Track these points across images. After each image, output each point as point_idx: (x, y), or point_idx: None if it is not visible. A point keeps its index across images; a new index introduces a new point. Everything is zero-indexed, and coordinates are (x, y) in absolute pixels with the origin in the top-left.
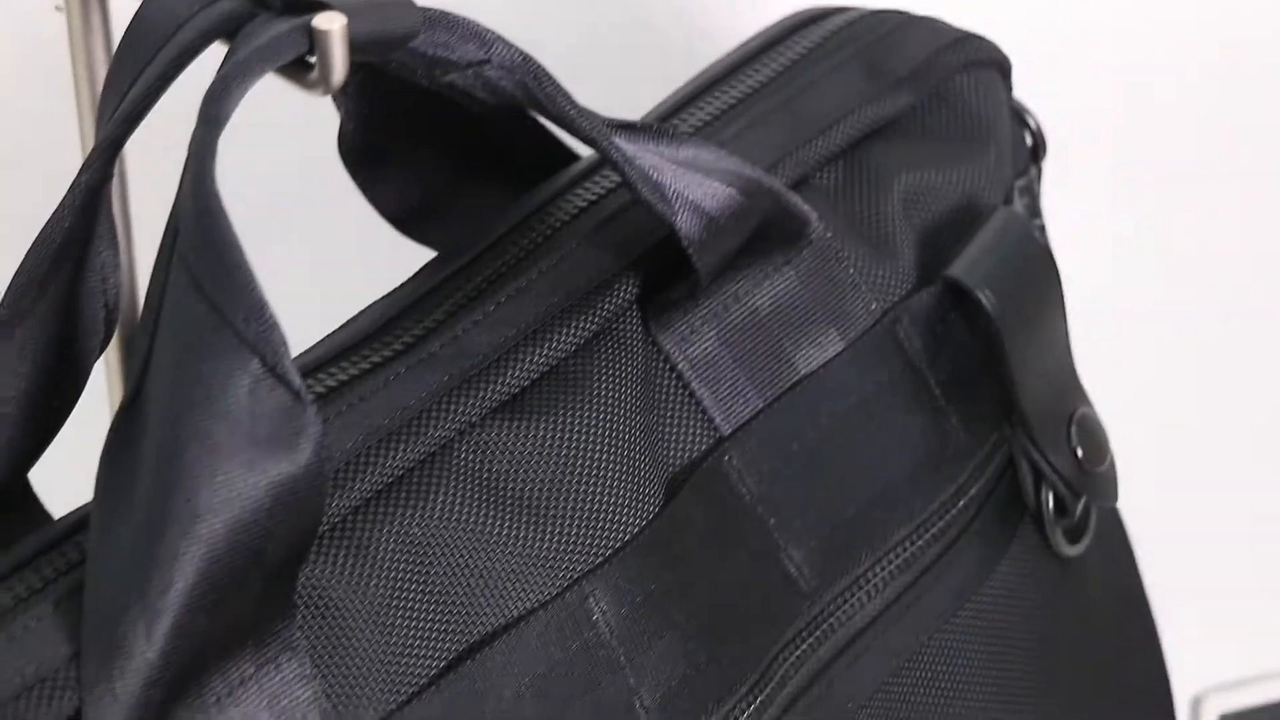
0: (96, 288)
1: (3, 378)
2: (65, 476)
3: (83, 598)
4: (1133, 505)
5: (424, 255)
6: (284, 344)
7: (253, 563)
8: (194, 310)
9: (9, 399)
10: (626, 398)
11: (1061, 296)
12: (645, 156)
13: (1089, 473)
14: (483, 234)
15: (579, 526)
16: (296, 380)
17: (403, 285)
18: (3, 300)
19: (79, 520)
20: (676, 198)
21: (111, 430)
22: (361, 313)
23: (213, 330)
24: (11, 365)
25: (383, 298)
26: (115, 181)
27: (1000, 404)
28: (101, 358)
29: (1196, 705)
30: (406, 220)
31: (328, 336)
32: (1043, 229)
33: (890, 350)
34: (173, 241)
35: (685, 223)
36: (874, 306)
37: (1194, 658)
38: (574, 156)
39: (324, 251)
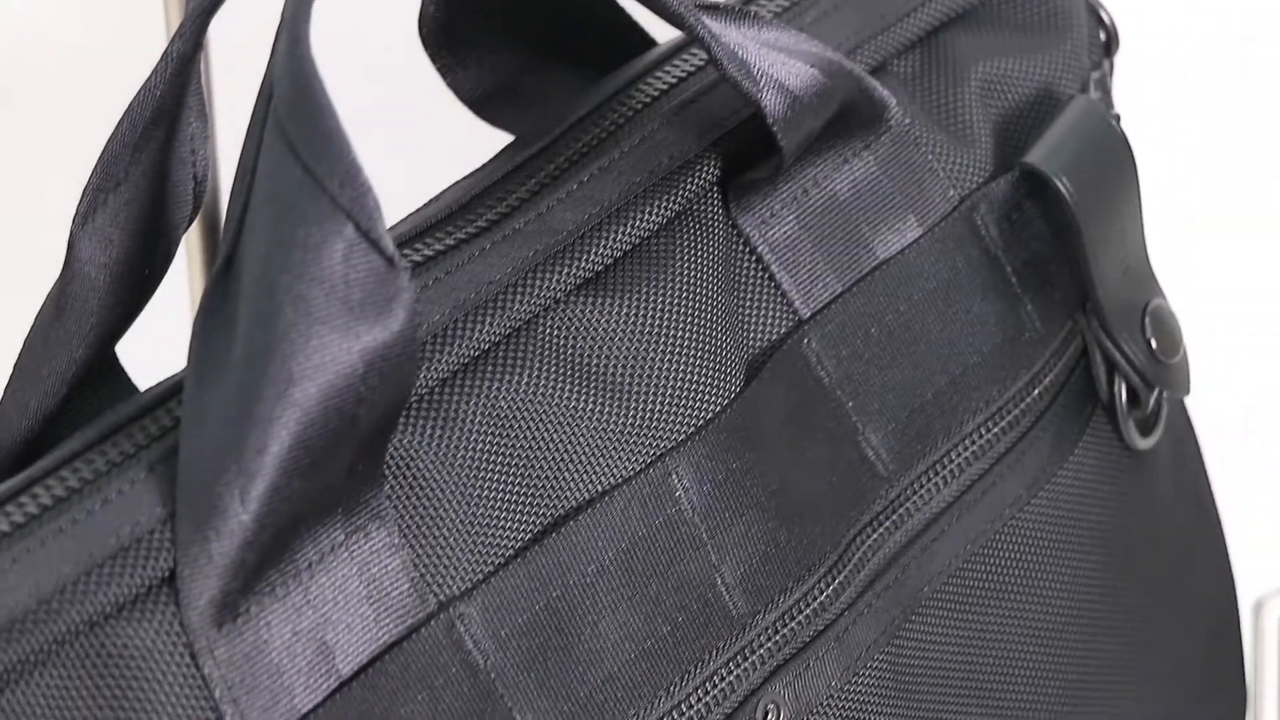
0: (186, 158)
1: (95, 245)
2: (147, 353)
3: (176, 462)
4: (1199, 404)
5: (501, 140)
6: (378, 209)
7: (346, 428)
8: (289, 175)
9: (101, 266)
10: (708, 278)
11: (1138, 186)
12: (730, 35)
13: (1162, 364)
14: (563, 117)
15: (661, 403)
16: (390, 246)
17: (484, 166)
18: (96, 167)
19: (169, 389)
20: (761, 76)
21: (205, 296)
22: (444, 191)
23: (308, 195)
24: (104, 232)
25: (465, 177)
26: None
27: (1075, 293)
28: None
29: (1258, 609)
30: (485, 104)
31: (411, 214)
32: (1118, 119)
33: (967, 237)
34: (266, 107)
35: (770, 100)
36: (951, 193)
37: (1256, 562)
38: (652, 42)
39: (402, 138)
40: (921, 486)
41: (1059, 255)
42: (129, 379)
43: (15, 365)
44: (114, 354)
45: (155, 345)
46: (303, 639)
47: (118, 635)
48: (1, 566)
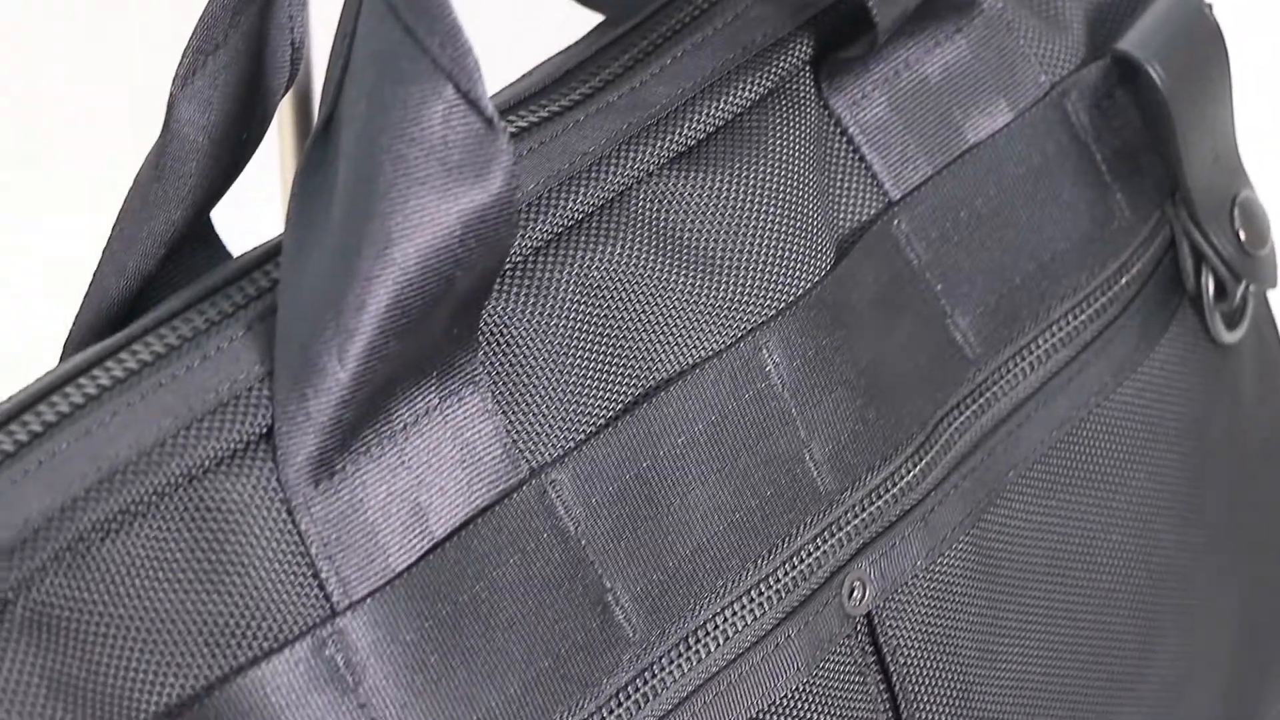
0: (284, 24)
1: (194, 107)
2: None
3: (275, 320)
4: None
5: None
6: (478, 70)
7: (443, 290)
8: (389, 36)
9: (200, 128)
10: (800, 156)
11: (1229, 76)
12: None
13: (1250, 256)
14: None
15: (753, 279)
16: (490, 108)
17: (576, 43)
18: (196, 28)
19: (264, 254)
20: None
21: (305, 156)
22: (536, 68)
23: (408, 55)
24: (204, 95)
25: (557, 54)
26: None
27: (1164, 183)
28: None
29: None
30: None
31: (504, 88)
32: (1210, 8)
33: (1058, 123)
34: None
35: None
36: (1043, 79)
37: None
38: None
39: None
40: (1008, 371)
41: (1149, 144)
42: (223, 245)
43: (113, 228)
44: (209, 220)
45: (245, 214)
46: (397, 499)
47: (216, 489)
48: (102, 419)
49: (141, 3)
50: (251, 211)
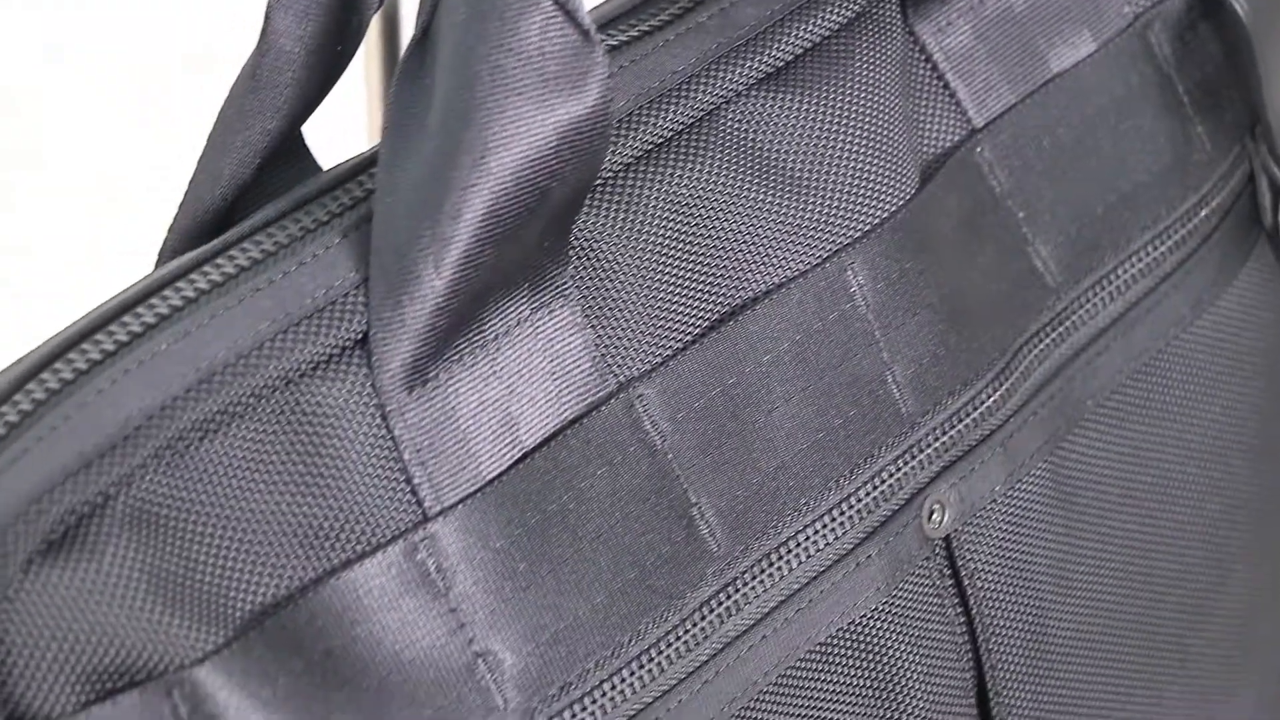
0: None
1: (291, 18)
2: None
3: (370, 229)
4: None
5: None
6: None
7: (537, 201)
8: None
9: (296, 39)
10: (885, 81)
11: None
12: None
13: None
14: None
15: (838, 200)
16: (587, 20)
17: None
18: None
19: (357, 165)
20: None
21: (401, 65)
22: None
23: None
24: (301, 6)
25: None
26: None
27: (1244, 118)
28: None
29: None
30: None
31: (596, 7)
32: None
33: (1141, 54)
34: None
35: None
36: (1126, 10)
37: None
38: None
39: None
40: (1088, 300)
41: (1230, 78)
42: (314, 158)
43: (208, 139)
44: (301, 134)
45: (331, 131)
46: (489, 408)
47: (312, 393)
48: (200, 321)
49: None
50: (338, 128)
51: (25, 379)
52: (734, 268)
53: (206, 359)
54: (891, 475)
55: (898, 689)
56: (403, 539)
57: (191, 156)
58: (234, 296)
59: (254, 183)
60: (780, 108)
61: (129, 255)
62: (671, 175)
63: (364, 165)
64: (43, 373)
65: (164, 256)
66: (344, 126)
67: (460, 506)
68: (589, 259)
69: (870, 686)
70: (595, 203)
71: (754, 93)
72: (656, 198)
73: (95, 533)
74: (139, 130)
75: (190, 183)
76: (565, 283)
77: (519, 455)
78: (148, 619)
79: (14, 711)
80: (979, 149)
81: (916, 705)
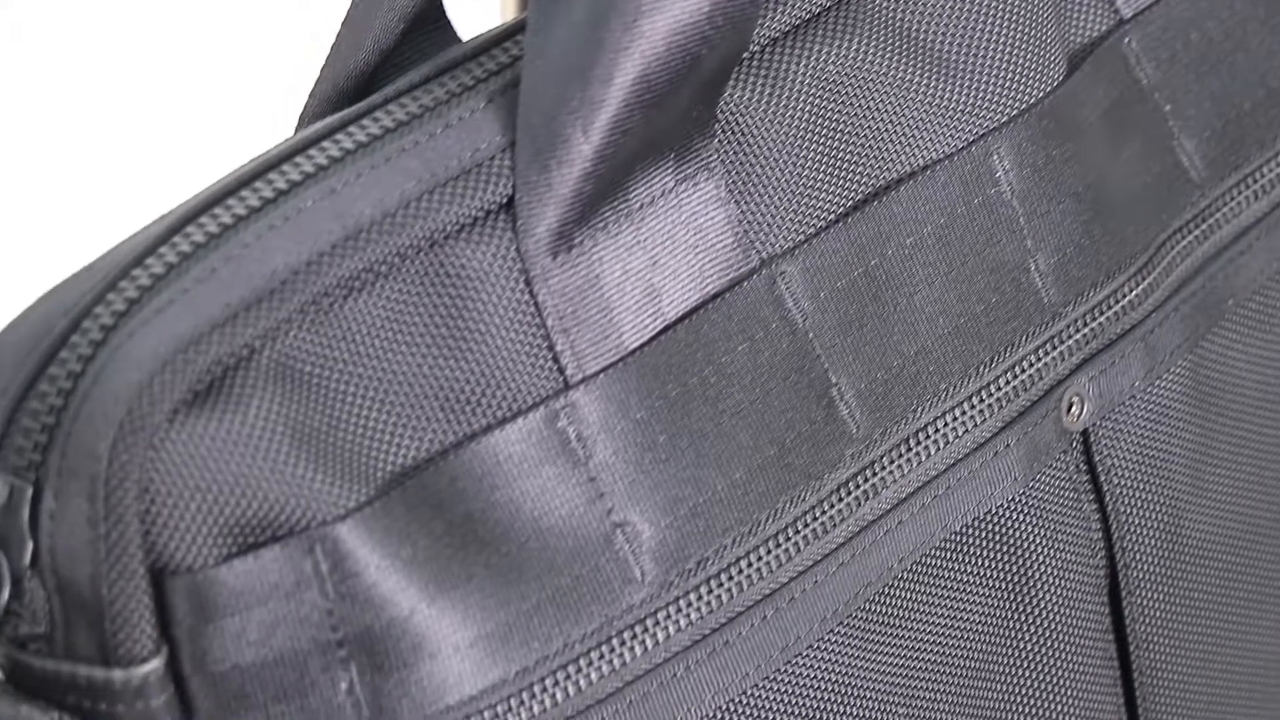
0: None
1: None
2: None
3: (516, 95)
4: None
5: None
6: None
7: (687, 68)
8: None
9: None
10: None
11: None
12: None
13: None
14: None
15: (986, 83)
16: None
17: None
18: None
19: (504, 32)
20: None
21: None
22: None
23: None
24: None
25: None
26: None
27: None
28: None
29: None
30: None
31: None
32: None
33: None
34: None
35: None
36: None
37: None
38: None
39: None
40: (1232, 198)
41: None
42: (454, 29)
43: (351, 6)
44: (441, 3)
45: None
46: (632, 278)
47: (456, 256)
48: (346, 179)
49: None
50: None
51: (170, 233)
52: (879, 147)
53: (353, 216)
54: (1032, 365)
55: (1031, 583)
56: (544, 406)
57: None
58: (380, 156)
59: (396, 50)
60: None
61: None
62: (819, 51)
63: (510, 33)
64: (188, 227)
65: (304, 121)
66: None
67: (601, 376)
68: (734, 133)
69: (1003, 578)
70: (742, 77)
71: None
72: (803, 73)
73: (241, 385)
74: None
75: (332, 49)
76: (710, 156)
77: (661, 327)
78: (291, 473)
79: (156, 561)
80: (1127, 40)
81: (1049, 600)
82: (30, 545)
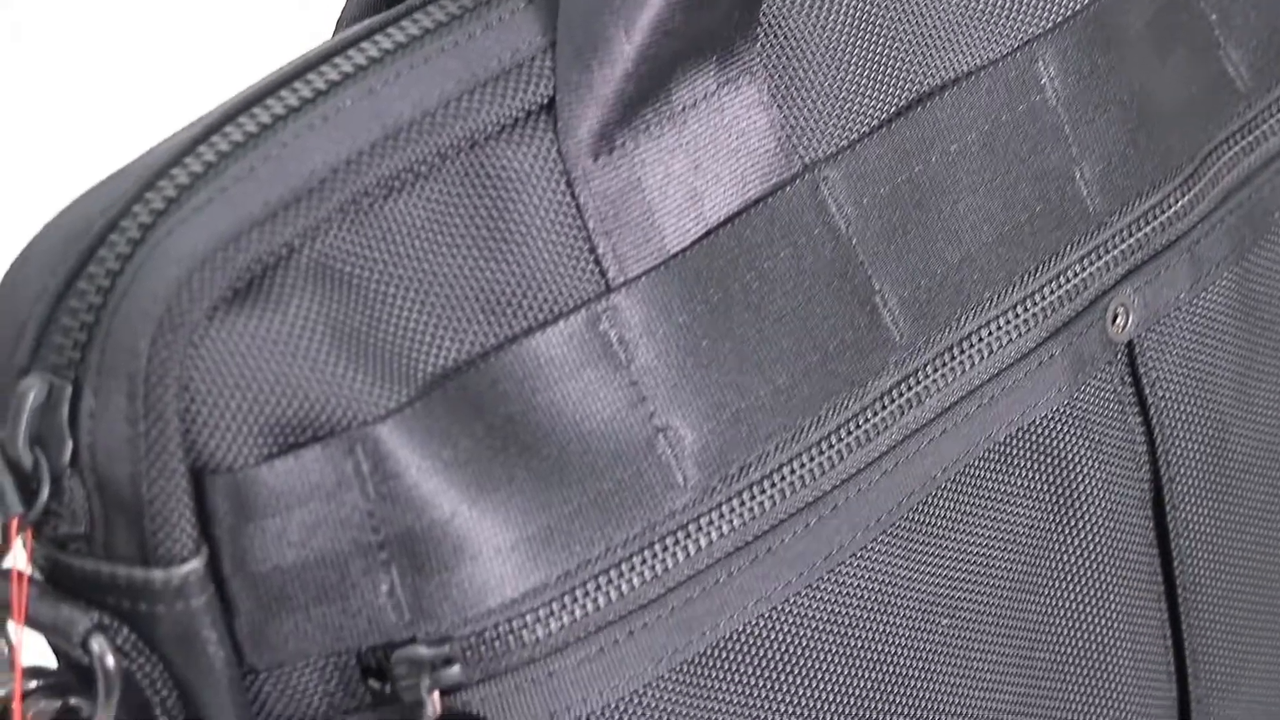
0: None
1: None
2: None
3: None
4: None
5: None
6: None
7: None
8: None
9: None
10: None
11: None
12: None
13: None
14: None
15: None
16: None
17: None
18: None
19: None
20: None
21: None
22: None
23: None
24: None
25: None
26: None
27: None
28: None
29: None
30: None
31: None
32: None
33: None
34: None
35: None
36: None
37: None
38: None
39: None
40: (1279, 110)
41: None
42: None
43: None
44: None
45: None
46: (674, 181)
47: (496, 157)
48: (385, 79)
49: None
50: None
51: (208, 133)
52: (922, 53)
53: (392, 116)
54: (1077, 275)
55: (1075, 495)
56: (585, 309)
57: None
58: (420, 56)
59: None
60: None
61: None
62: None
63: None
64: (226, 127)
65: (342, 24)
66: None
67: (644, 279)
68: (777, 38)
69: (1047, 490)
70: None
71: None
72: None
73: (280, 283)
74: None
75: None
76: (753, 60)
77: (703, 231)
78: (331, 373)
79: (196, 460)
80: None
81: (1093, 513)
82: (70, 444)
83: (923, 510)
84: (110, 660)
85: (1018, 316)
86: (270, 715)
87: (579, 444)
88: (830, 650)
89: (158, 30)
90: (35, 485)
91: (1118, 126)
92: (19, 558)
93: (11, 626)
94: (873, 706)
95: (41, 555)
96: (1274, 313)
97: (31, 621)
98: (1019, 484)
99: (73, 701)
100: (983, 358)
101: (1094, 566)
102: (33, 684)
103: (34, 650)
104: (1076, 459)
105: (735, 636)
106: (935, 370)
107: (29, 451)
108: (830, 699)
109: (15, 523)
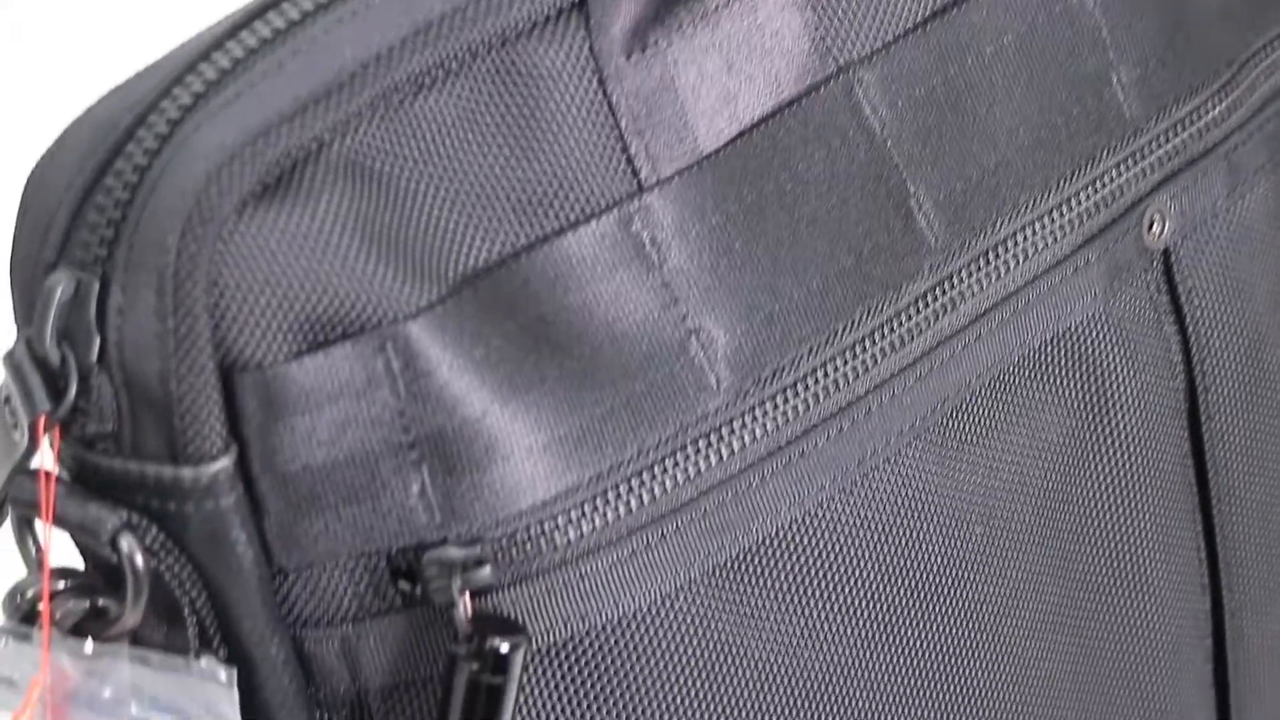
0: None
1: None
2: None
3: None
4: None
5: None
6: None
7: None
8: None
9: None
10: None
11: None
12: None
13: None
14: None
15: None
16: None
17: None
18: None
19: None
20: None
21: None
22: None
23: None
24: None
25: None
26: None
27: None
28: None
29: None
30: None
31: None
32: None
33: None
34: None
35: None
36: None
37: None
38: None
39: None
40: None
41: None
42: None
43: None
44: None
45: None
46: (707, 81)
47: (528, 54)
48: None
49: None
50: None
51: (235, 30)
52: None
53: (423, 12)
54: (1113, 180)
55: (1109, 404)
56: (617, 209)
57: None
58: None
59: None
60: None
61: None
62: None
63: None
64: (254, 23)
65: None
66: None
67: (676, 179)
68: None
69: (1082, 398)
70: None
71: None
72: None
73: (310, 178)
74: None
75: None
76: None
77: (737, 131)
78: (361, 270)
79: (225, 357)
80: None
81: (1127, 422)
82: (97, 341)
83: (956, 417)
84: (139, 559)
85: (1053, 222)
86: (299, 617)
87: (611, 345)
88: (863, 557)
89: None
90: (63, 383)
91: (1155, 32)
92: (46, 457)
93: (39, 527)
94: (904, 615)
95: (68, 455)
96: None
97: (59, 521)
98: (1053, 392)
99: (101, 602)
100: (1018, 263)
101: (1128, 477)
102: (61, 585)
103: (61, 554)
104: (1112, 367)
105: (768, 542)
106: (970, 275)
107: (56, 348)
108: (862, 606)
109: (43, 420)
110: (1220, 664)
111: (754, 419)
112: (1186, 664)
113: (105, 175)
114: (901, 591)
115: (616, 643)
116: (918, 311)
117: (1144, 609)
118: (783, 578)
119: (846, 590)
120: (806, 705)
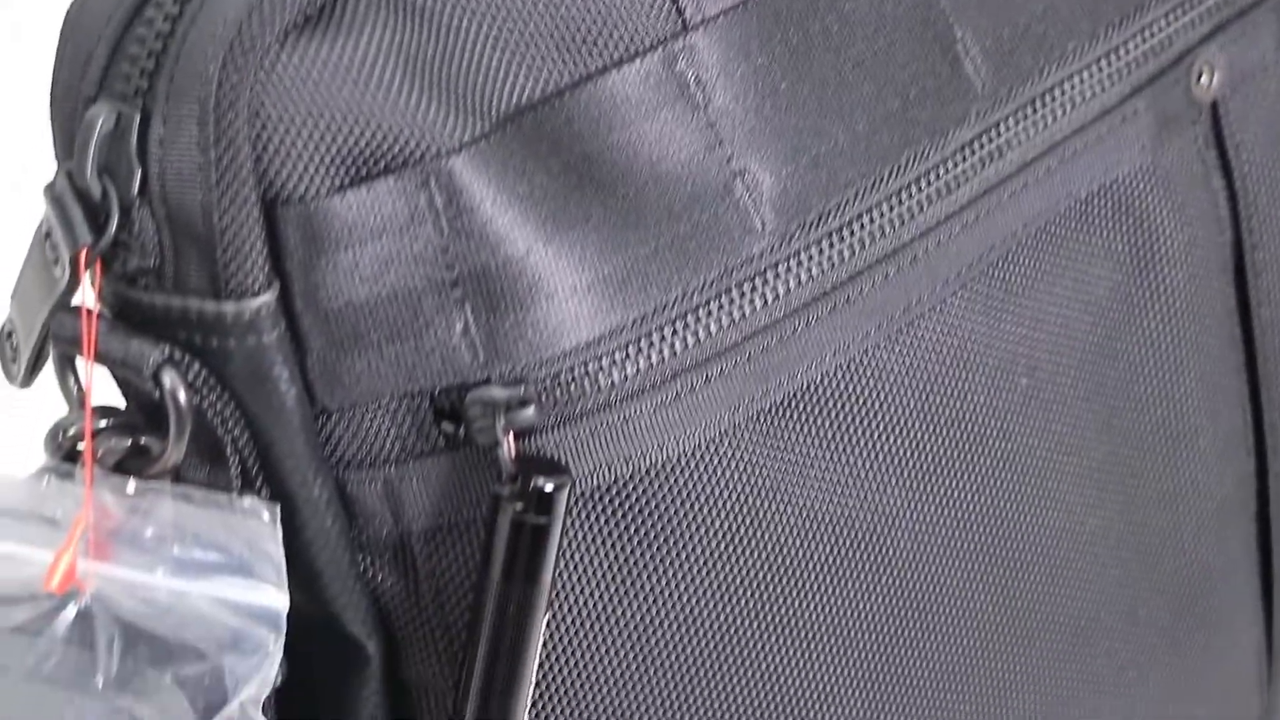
0: None
1: None
2: None
3: None
4: None
5: None
6: None
7: None
8: None
9: None
10: None
11: None
12: None
13: None
14: None
15: None
16: None
17: None
18: None
19: None
20: None
21: None
22: None
23: None
24: None
25: None
26: None
27: None
28: None
29: None
30: None
31: None
32: None
33: None
34: None
35: None
36: None
37: None
38: None
39: None
40: None
41: None
42: None
43: None
44: None
45: None
46: None
47: None
48: None
49: None
50: None
51: None
52: None
53: None
54: (1162, 29)
55: (1156, 257)
56: (662, 48)
57: None
58: None
59: None
60: None
61: None
62: None
63: None
64: None
65: None
66: None
67: (721, 18)
68: None
69: (1128, 251)
70: None
71: None
72: None
73: (353, 9)
74: None
75: None
76: None
77: None
78: (404, 103)
79: (268, 190)
80: None
81: (1174, 276)
82: (139, 173)
83: (1003, 266)
84: (182, 393)
85: (1102, 70)
86: (341, 458)
87: (655, 186)
88: (907, 405)
89: None
90: (104, 216)
91: None
92: (87, 295)
93: (81, 364)
94: (948, 464)
95: (110, 291)
96: None
97: (101, 357)
98: (1100, 243)
99: (143, 440)
100: (1065, 112)
101: (1174, 332)
102: (103, 423)
103: (103, 393)
104: (1159, 220)
105: (812, 387)
106: (1017, 123)
107: (97, 181)
108: (906, 454)
109: (84, 254)
110: (1264, 525)
111: (799, 263)
112: (1231, 526)
113: (145, 7)
114: (945, 441)
115: (660, 486)
116: (964, 159)
117: (1190, 468)
118: (827, 423)
119: (891, 438)
120: (850, 551)
